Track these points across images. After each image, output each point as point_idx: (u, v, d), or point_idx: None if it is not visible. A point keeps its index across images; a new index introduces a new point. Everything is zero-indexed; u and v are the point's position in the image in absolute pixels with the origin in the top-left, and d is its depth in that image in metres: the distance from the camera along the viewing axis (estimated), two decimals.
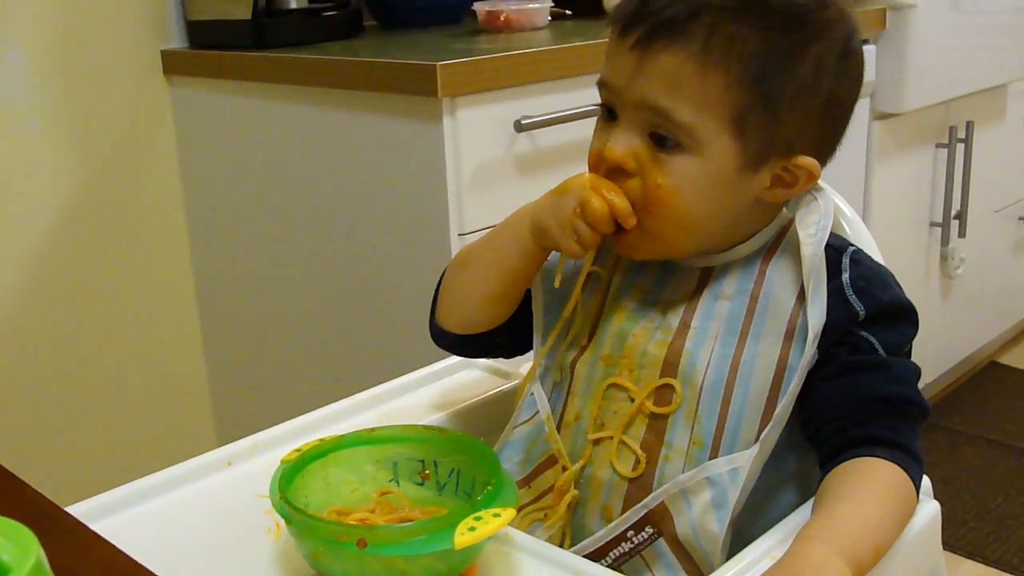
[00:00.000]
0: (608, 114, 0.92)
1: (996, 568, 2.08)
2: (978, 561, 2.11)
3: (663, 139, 0.88)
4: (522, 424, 0.99)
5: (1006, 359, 3.01)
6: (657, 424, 0.91)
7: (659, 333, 0.93)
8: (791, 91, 0.87)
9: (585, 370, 0.96)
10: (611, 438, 0.93)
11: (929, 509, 0.89)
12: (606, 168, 0.91)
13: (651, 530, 0.89)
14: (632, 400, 0.92)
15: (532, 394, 0.99)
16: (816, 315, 0.88)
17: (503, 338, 1.03)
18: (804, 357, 0.88)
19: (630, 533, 0.90)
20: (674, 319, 0.93)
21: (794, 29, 0.87)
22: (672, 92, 0.87)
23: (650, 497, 0.90)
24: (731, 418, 0.89)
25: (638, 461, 0.91)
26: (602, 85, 0.93)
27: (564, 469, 0.95)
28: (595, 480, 0.93)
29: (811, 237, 0.90)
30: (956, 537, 2.17)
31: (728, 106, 0.86)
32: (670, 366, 0.91)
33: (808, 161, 0.90)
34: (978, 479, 2.39)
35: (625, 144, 0.89)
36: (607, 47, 0.92)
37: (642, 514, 0.90)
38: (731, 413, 0.89)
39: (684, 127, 0.87)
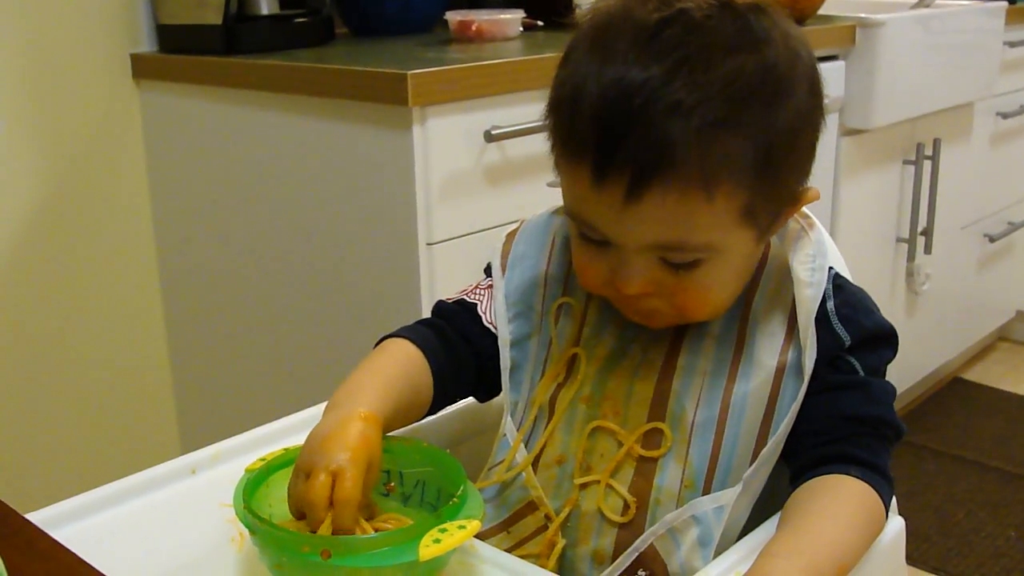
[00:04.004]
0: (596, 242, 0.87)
1: None
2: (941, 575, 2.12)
3: (677, 263, 0.84)
4: (497, 465, 0.97)
5: (970, 375, 3.04)
6: (646, 467, 0.90)
7: (641, 370, 0.92)
8: (783, 155, 0.83)
9: (566, 410, 0.94)
10: (598, 482, 0.91)
11: (894, 525, 0.89)
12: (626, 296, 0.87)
13: (644, 573, 0.88)
14: (620, 444, 0.91)
15: (505, 435, 0.97)
16: (811, 359, 0.87)
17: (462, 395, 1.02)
18: (795, 402, 0.87)
19: None
20: (657, 356, 0.92)
21: (774, 101, 0.82)
22: (680, 226, 0.81)
23: (640, 540, 0.88)
24: (722, 459, 0.88)
25: (627, 506, 0.90)
26: (579, 221, 0.86)
27: (547, 516, 0.93)
28: (583, 524, 0.91)
29: (809, 276, 0.89)
30: (919, 552, 2.18)
31: (737, 207, 0.82)
32: (658, 408, 0.90)
33: (810, 194, 0.89)
34: (941, 494, 2.41)
35: (639, 277, 0.84)
36: (568, 175, 0.85)
37: (633, 558, 0.88)
38: (722, 454, 0.88)
39: (699, 247, 0.83)
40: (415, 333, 0.97)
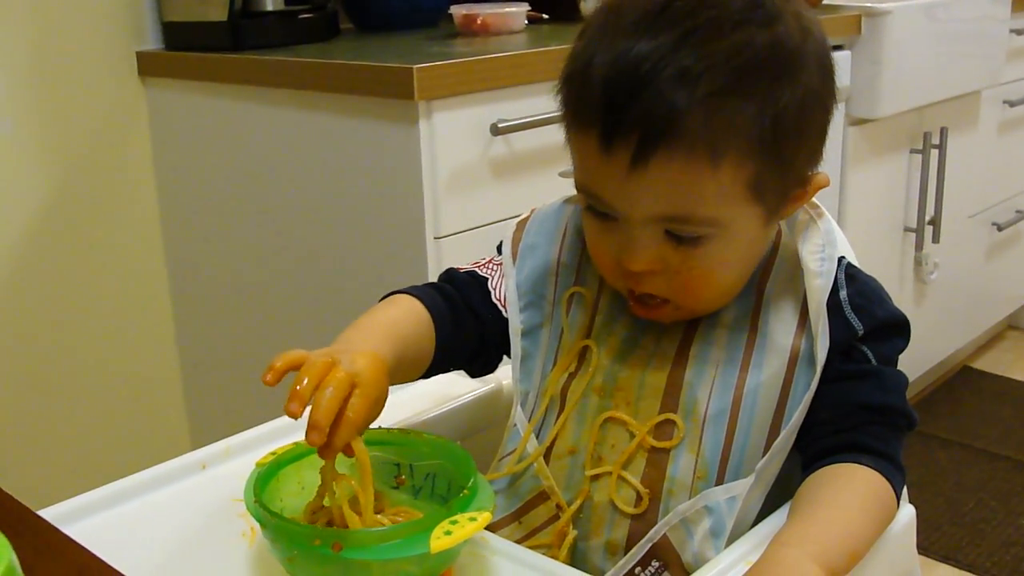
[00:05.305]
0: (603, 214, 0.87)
1: (969, 572, 2.09)
2: (951, 565, 2.12)
3: (683, 237, 0.84)
4: (508, 455, 0.97)
5: (979, 364, 3.03)
6: (658, 458, 0.90)
7: (655, 361, 0.92)
8: (792, 131, 0.83)
9: (578, 401, 0.94)
10: (610, 474, 0.91)
11: (905, 514, 0.89)
12: (631, 275, 0.87)
13: (657, 563, 0.88)
14: (632, 435, 0.91)
15: (515, 425, 0.97)
16: (823, 348, 0.87)
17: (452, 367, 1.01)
18: (808, 392, 0.87)
19: (637, 569, 0.88)
20: (670, 346, 0.92)
21: (782, 75, 0.82)
22: (686, 196, 0.82)
23: (653, 530, 0.88)
24: (735, 449, 0.88)
25: (640, 497, 0.90)
26: (587, 194, 0.86)
27: (558, 506, 0.93)
28: (596, 516, 0.91)
29: (818, 266, 0.89)
30: (930, 541, 2.18)
31: (743, 181, 0.82)
32: (670, 398, 0.90)
33: (819, 179, 0.89)
34: (951, 483, 2.40)
35: (644, 252, 0.85)
36: (577, 146, 0.86)
37: (647, 548, 0.88)
38: (735, 444, 0.88)
39: (705, 220, 0.83)
40: (425, 295, 0.97)
